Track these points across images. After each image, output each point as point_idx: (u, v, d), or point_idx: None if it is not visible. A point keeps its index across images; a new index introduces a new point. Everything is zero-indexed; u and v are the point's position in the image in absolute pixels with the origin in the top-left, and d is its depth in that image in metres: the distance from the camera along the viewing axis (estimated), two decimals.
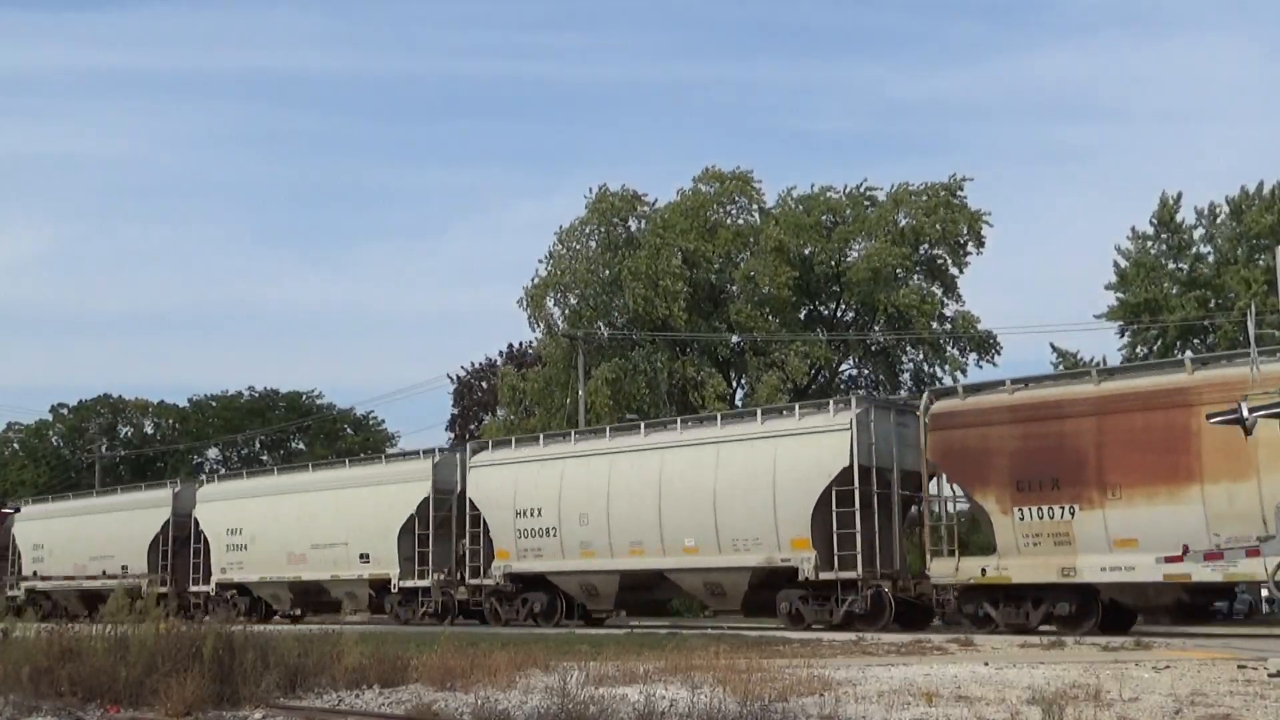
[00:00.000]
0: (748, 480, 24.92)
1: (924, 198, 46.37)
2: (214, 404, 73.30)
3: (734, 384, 48.05)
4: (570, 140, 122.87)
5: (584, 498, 27.54)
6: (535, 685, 11.88)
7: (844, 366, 49.83)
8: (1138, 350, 40.22)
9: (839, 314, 50.11)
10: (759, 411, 26.68)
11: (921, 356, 47.88)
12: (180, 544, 37.74)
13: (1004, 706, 9.78)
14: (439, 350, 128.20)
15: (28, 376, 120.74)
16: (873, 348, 48.25)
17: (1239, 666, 12.94)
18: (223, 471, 44.13)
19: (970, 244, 46.87)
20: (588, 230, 47.46)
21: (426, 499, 30.60)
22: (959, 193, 46.52)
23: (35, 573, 42.96)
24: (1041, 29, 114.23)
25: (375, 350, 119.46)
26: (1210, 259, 40.21)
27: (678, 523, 25.83)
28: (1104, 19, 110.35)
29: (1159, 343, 39.70)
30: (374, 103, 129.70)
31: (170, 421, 74.25)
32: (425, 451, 32.44)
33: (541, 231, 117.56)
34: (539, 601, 28.35)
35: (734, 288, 46.51)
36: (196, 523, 37.07)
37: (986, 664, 13.98)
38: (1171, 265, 40.71)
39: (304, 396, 73.97)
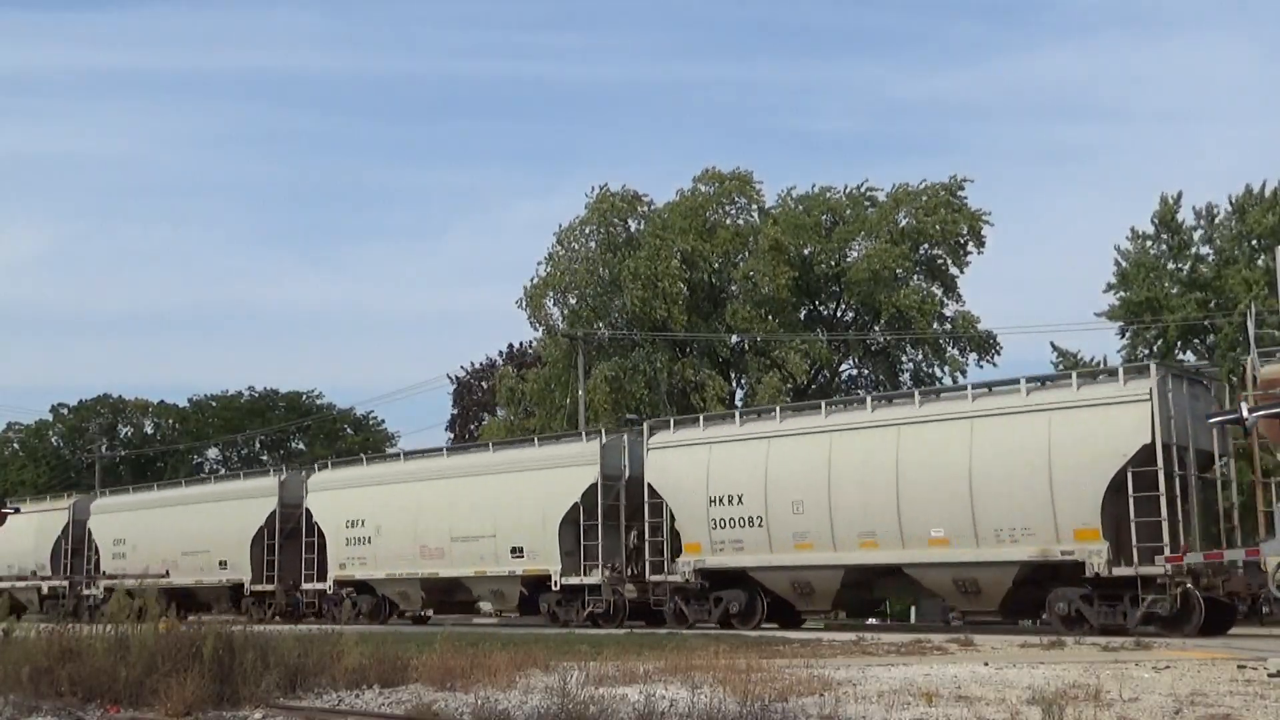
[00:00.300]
0: (1014, 461, 21.55)
1: (924, 198, 46.44)
2: (214, 404, 73.50)
3: (734, 384, 48.09)
4: (570, 140, 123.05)
5: (798, 482, 24.05)
6: (535, 685, 11.88)
7: (844, 366, 49.96)
8: (1138, 351, 40.18)
9: (839, 314, 50.17)
10: (1021, 381, 22.89)
11: (921, 356, 48.01)
12: (288, 537, 34.16)
13: (1004, 706, 9.77)
14: (439, 350, 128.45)
15: (28, 376, 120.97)
16: (873, 348, 48.31)
17: (1239, 666, 12.94)
18: (333, 459, 40.21)
19: (970, 244, 46.98)
20: (587, 231, 47.51)
21: (593, 485, 27.09)
22: (959, 193, 46.62)
23: (117, 570, 38.78)
24: (1042, 29, 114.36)
25: (375, 350, 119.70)
26: (1210, 259, 40.18)
27: (921, 510, 22.37)
28: (1104, 19, 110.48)
29: (1159, 342, 39.67)
30: (374, 103, 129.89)
31: (170, 421, 74.40)
32: (589, 433, 29.42)
33: (541, 231, 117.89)
34: (736, 601, 24.95)
35: (734, 287, 46.55)
36: (309, 514, 33.54)
37: (986, 664, 13.97)
38: (1171, 265, 40.69)
39: (304, 396, 74.23)
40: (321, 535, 33.06)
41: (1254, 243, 38.93)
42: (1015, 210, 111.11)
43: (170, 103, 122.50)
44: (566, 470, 27.89)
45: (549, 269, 47.52)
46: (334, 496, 33.24)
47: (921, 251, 46.96)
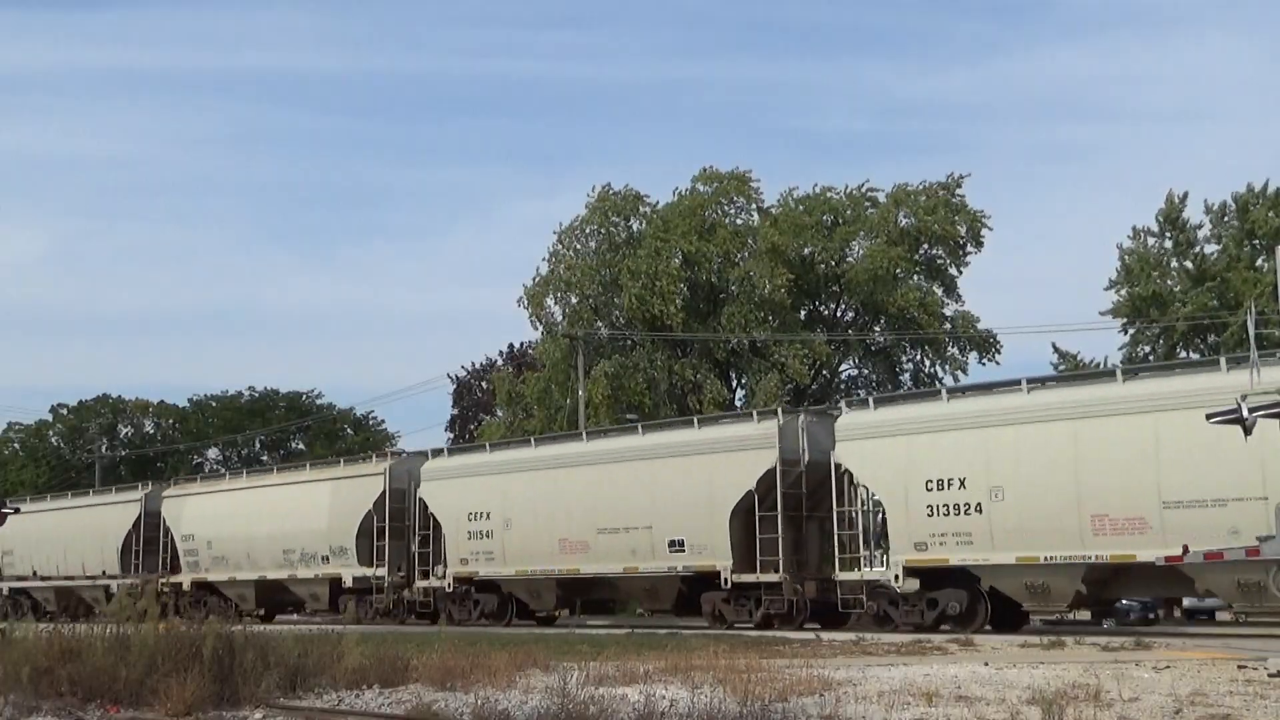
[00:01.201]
0: None
1: (923, 198, 46.42)
2: (214, 404, 73.41)
3: (733, 386, 48.03)
4: (570, 140, 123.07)
5: None
6: (535, 685, 11.88)
7: (844, 366, 49.92)
8: (1139, 350, 40.12)
9: (839, 314, 50.14)
10: None
11: (921, 356, 47.99)
12: (791, 506, 24.59)
13: (1004, 706, 9.78)
14: (439, 350, 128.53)
15: (28, 376, 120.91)
16: (873, 348, 48.28)
17: (1239, 666, 12.94)
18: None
19: (970, 244, 46.96)
20: (588, 230, 47.49)
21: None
22: (958, 190, 46.60)
23: (474, 554, 29.81)
24: (1043, 29, 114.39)
25: (375, 350, 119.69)
26: (1214, 258, 40.15)
27: None
28: (1105, 19, 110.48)
29: (1160, 341, 39.62)
30: (374, 103, 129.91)
31: (170, 421, 74.32)
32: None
33: (541, 231, 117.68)
34: None
35: (732, 288, 46.52)
36: (849, 475, 23.55)
37: (986, 664, 13.97)
38: (1175, 264, 40.66)
39: (304, 396, 74.14)
40: (880, 506, 23.41)
41: (1256, 243, 38.92)
42: (1015, 210, 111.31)
43: (169, 103, 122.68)
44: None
45: (550, 268, 47.53)
46: (888, 448, 23.14)
47: (921, 251, 46.95)
